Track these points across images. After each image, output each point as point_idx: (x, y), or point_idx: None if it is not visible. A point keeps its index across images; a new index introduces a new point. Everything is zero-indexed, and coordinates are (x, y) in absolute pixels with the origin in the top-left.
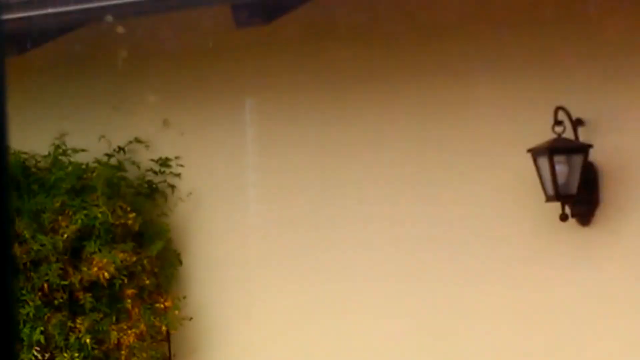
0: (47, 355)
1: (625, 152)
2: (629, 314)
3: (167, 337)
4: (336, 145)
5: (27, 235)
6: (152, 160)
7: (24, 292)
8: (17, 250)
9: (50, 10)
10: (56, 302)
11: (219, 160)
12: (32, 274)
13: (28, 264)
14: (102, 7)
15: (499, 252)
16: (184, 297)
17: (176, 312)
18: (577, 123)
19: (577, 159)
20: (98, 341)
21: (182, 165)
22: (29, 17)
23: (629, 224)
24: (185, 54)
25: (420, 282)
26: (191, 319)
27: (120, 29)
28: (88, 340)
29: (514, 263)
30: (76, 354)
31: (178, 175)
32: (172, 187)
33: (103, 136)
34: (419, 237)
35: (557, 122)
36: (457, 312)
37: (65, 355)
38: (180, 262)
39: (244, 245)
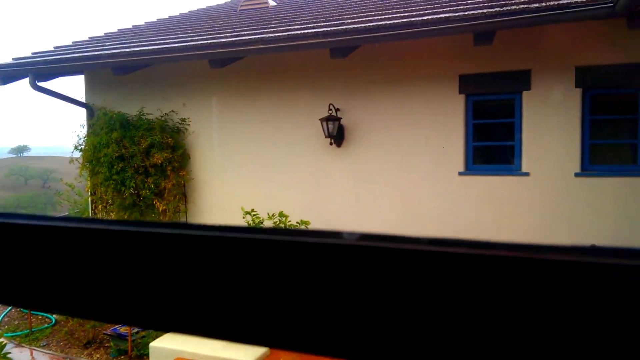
0: (137, 192)
1: (353, 120)
2: (357, 177)
3: (184, 186)
4: (254, 118)
5: (127, 145)
6: (179, 119)
7: (127, 168)
8: (127, 151)
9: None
10: (140, 170)
11: (205, 118)
12: (130, 160)
13: (128, 156)
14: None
15: (314, 156)
16: (190, 171)
17: (187, 176)
18: (337, 109)
19: (336, 123)
20: (157, 186)
21: (189, 120)
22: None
23: (353, 146)
24: (190, 78)
25: (292, 166)
26: (193, 179)
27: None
28: (152, 186)
29: (318, 160)
30: (148, 192)
31: (188, 124)
32: (186, 129)
33: (159, 109)
34: (291, 151)
35: (329, 109)
36: (300, 178)
37: (143, 191)
38: (189, 157)
39: (216, 151)
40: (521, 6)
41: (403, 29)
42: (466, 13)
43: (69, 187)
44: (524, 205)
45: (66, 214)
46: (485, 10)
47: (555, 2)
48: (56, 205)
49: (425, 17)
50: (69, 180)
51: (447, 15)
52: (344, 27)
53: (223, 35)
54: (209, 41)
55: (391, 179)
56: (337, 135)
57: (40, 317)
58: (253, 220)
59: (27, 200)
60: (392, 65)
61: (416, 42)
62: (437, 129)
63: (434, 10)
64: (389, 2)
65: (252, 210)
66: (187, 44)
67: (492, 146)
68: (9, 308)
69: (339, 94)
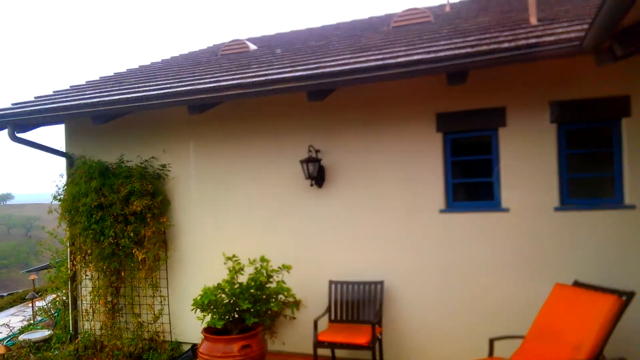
0: (115, 241)
1: (333, 162)
2: (339, 217)
3: (164, 233)
4: (234, 161)
5: (106, 193)
6: (160, 165)
7: (106, 216)
8: (106, 200)
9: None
10: (119, 218)
11: (184, 164)
12: (109, 209)
13: (107, 204)
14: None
15: (297, 198)
16: (171, 217)
17: (167, 222)
18: (317, 151)
19: (316, 164)
20: (136, 234)
21: (169, 166)
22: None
23: (334, 186)
24: (164, 125)
25: (274, 210)
26: (173, 225)
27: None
28: (132, 234)
29: (299, 201)
30: (128, 240)
31: (169, 170)
32: (166, 175)
33: (139, 155)
34: (272, 194)
35: (309, 151)
36: (283, 221)
37: (122, 240)
38: (170, 203)
39: (196, 196)
40: (492, 46)
41: (377, 71)
42: (438, 55)
43: (51, 235)
44: (506, 241)
45: (47, 263)
46: (456, 52)
47: (525, 42)
48: (39, 254)
49: (399, 60)
50: (52, 228)
51: (419, 57)
52: (320, 70)
53: (202, 81)
54: (186, 88)
55: (373, 218)
56: (318, 176)
57: None
58: (234, 267)
59: (9, 250)
60: (370, 106)
61: (392, 83)
62: (417, 167)
63: (407, 52)
64: (365, 45)
65: (234, 256)
66: (165, 90)
67: (472, 183)
68: None
69: (318, 135)
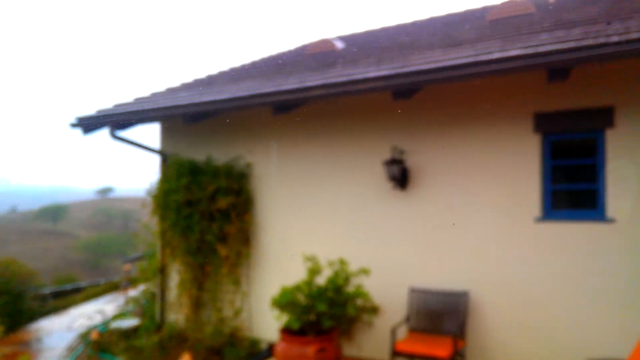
0: (201, 236)
1: (417, 163)
2: (422, 222)
3: (247, 231)
4: (315, 161)
5: (195, 190)
6: (244, 164)
7: (193, 213)
8: (194, 196)
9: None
10: (205, 216)
11: (267, 163)
12: (197, 206)
13: (195, 201)
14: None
15: (377, 200)
16: (254, 215)
17: (250, 220)
18: (401, 152)
19: (400, 165)
20: (220, 231)
21: (253, 165)
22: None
23: (418, 189)
24: (253, 126)
25: (353, 211)
26: (255, 223)
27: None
28: (217, 231)
29: (380, 204)
30: (212, 237)
31: (253, 169)
32: (250, 174)
33: (224, 154)
34: (351, 195)
35: (393, 152)
36: (362, 223)
37: (207, 236)
38: (252, 202)
39: (276, 196)
40: (600, 40)
41: (468, 68)
42: (538, 50)
43: (144, 228)
44: (609, 256)
45: (141, 254)
46: (559, 46)
47: (638, 35)
48: (134, 245)
49: (493, 56)
50: (145, 221)
51: (516, 52)
52: (406, 69)
53: (287, 81)
54: (271, 89)
55: (459, 224)
56: (401, 178)
57: None
58: (313, 268)
59: (109, 240)
60: (460, 105)
61: (486, 80)
62: (510, 171)
63: (504, 48)
64: (457, 40)
65: (313, 257)
66: (252, 92)
67: (572, 190)
68: (80, 350)
69: (403, 135)
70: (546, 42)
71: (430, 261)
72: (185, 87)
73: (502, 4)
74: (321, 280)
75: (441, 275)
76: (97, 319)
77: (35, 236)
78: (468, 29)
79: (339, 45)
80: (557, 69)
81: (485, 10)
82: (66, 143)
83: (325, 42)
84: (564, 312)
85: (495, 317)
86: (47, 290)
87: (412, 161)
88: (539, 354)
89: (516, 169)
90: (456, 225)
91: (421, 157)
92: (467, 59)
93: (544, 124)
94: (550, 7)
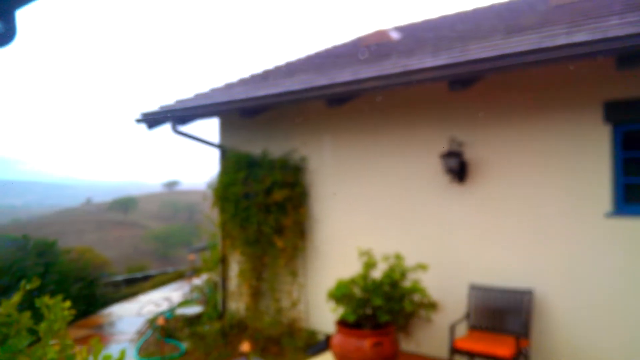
0: (259, 228)
1: (476, 156)
2: (482, 217)
3: (302, 224)
4: (369, 154)
5: (252, 183)
6: (299, 157)
7: (251, 205)
8: (251, 189)
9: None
10: (262, 208)
11: (321, 157)
12: (254, 198)
13: (252, 194)
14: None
15: (433, 193)
16: (309, 208)
17: (305, 213)
18: (459, 143)
19: (458, 158)
20: (277, 223)
21: (308, 158)
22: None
23: (477, 182)
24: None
25: (408, 205)
26: (310, 216)
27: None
28: (273, 223)
29: (437, 198)
30: (269, 228)
31: (308, 162)
32: (306, 167)
33: (280, 148)
34: (406, 189)
35: (450, 144)
36: (417, 217)
37: (264, 228)
38: (307, 195)
39: (331, 189)
40: None
41: (530, 56)
42: (607, 35)
43: (207, 219)
44: None
45: (205, 245)
46: (630, 30)
47: None
48: (198, 236)
49: (558, 42)
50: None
51: (583, 38)
52: (463, 58)
53: (341, 74)
54: (325, 82)
55: (520, 218)
56: (459, 171)
57: (172, 345)
58: (368, 262)
59: (175, 231)
60: (521, 94)
61: (549, 68)
62: (577, 163)
63: (569, 32)
64: (519, 26)
65: (368, 251)
66: (305, 86)
67: None
68: (148, 334)
69: (460, 127)
70: (616, 26)
71: (490, 257)
72: (242, 82)
73: None
74: (377, 274)
75: (502, 273)
76: (164, 306)
77: (108, 226)
78: (531, 14)
79: (395, 36)
80: (627, 55)
81: None
82: (136, 141)
83: (381, 34)
84: (637, 316)
85: (562, 317)
86: (119, 278)
87: (470, 154)
88: (610, 359)
89: (583, 162)
90: (518, 221)
91: (480, 149)
92: (529, 46)
93: (616, 113)
94: None
